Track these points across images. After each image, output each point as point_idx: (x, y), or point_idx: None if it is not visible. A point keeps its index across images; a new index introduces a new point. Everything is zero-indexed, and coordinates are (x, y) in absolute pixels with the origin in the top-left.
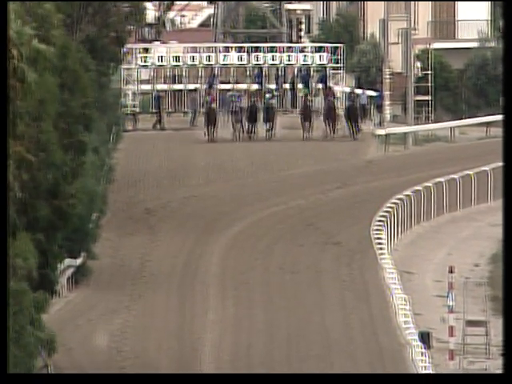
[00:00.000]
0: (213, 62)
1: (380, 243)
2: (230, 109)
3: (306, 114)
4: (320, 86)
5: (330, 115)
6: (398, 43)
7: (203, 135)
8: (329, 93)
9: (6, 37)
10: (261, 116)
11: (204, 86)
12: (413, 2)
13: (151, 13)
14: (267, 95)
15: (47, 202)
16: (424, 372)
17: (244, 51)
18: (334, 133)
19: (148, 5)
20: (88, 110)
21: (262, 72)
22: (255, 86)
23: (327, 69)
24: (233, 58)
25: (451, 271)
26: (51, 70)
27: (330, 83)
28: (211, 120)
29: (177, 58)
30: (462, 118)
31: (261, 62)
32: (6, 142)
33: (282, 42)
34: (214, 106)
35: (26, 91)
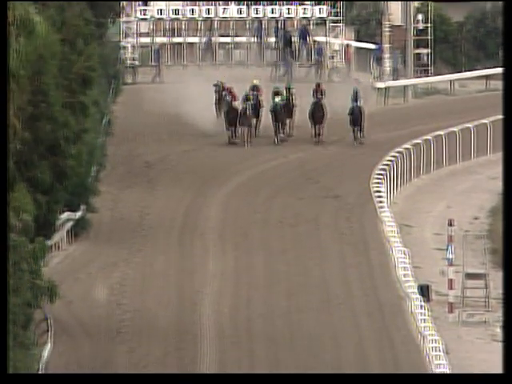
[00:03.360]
0: (212, 15)
1: (379, 196)
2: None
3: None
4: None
5: (317, 116)
6: None
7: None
8: (317, 89)
9: (6, 36)
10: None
11: (203, 39)
12: None
13: None
14: (276, 99)
15: (47, 160)
16: (424, 372)
17: (244, 4)
18: (320, 135)
19: None
20: (90, 70)
21: (261, 25)
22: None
23: (327, 22)
24: (232, 11)
25: (451, 224)
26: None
27: (330, 36)
28: (233, 121)
29: (176, 11)
30: (461, 71)
31: (260, 15)
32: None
33: None
34: (235, 104)
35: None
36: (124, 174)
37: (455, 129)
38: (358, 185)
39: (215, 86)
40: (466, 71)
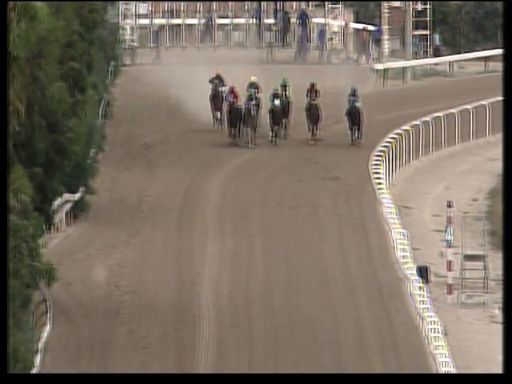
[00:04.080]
0: None
1: (378, 178)
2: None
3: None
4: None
5: (314, 117)
6: None
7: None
8: (312, 89)
9: (6, 36)
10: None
11: (202, 21)
12: None
13: None
14: (276, 102)
15: (46, 136)
16: (424, 373)
17: None
18: (314, 135)
19: None
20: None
21: (260, 7)
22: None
23: (326, 3)
24: None
25: (449, 206)
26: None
27: (329, 18)
28: (234, 122)
29: None
30: (460, 53)
31: None
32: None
33: None
34: (237, 105)
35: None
36: (123, 155)
37: (454, 110)
38: (357, 166)
39: (211, 82)
40: (464, 53)
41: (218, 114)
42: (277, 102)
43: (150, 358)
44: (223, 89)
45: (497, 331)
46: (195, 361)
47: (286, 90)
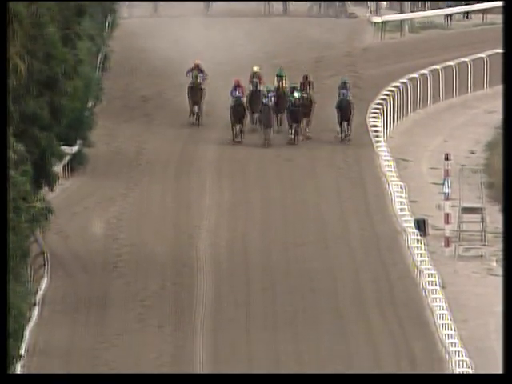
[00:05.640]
0: None
1: (376, 131)
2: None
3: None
4: None
5: (304, 112)
6: None
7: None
8: (305, 82)
9: (6, 36)
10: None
11: None
12: None
13: None
14: (296, 94)
15: (44, 96)
16: (424, 373)
17: None
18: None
19: None
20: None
21: None
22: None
23: None
24: None
25: (447, 158)
26: None
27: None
28: (238, 118)
29: None
30: (458, 5)
31: None
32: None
33: None
34: (243, 100)
35: None
36: (120, 108)
37: (452, 63)
38: (355, 119)
39: (189, 73)
40: (462, 5)
41: (196, 108)
42: (297, 94)
43: (147, 310)
44: (203, 80)
45: (494, 284)
46: (193, 313)
47: (282, 82)
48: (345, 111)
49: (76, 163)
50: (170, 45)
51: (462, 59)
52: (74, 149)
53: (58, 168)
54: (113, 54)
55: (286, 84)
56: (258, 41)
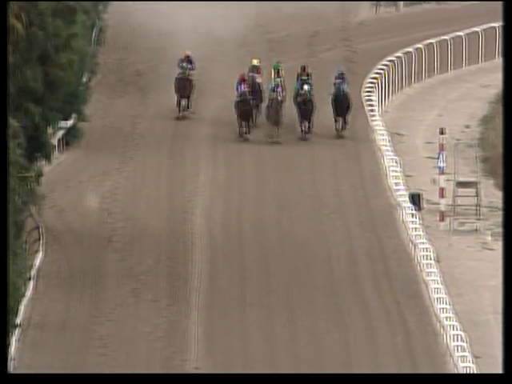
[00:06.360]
0: None
1: (371, 105)
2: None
3: None
4: None
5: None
6: None
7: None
8: (302, 73)
9: (6, 36)
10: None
11: None
12: None
13: None
14: (306, 86)
15: (39, 69)
16: (424, 373)
17: None
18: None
19: None
20: None
21: None
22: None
23: None
24: None
25: (442, 132)
26: None
27: None
28: (245, 114)
29: None
30: None
31: None
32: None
33: None
34: (249, 97)
35: None
36: (115, 82)
37: (447, 37)
38: (350, 93)
39: (179, 64)
40: None
41: (183, 101)
42: (306, 87)
43: (142, 285)
44: (192, 72)
45: (489, 258)
46: (187, 288)
47: (279, 74)
48: (340, 104)
49: (71, 137)
50: (165, 19)
51: (457, 33)
52: (69, 123)
53: (53, 142)
54: (108, 29)
55: (283, 77)
56: (253, 15)
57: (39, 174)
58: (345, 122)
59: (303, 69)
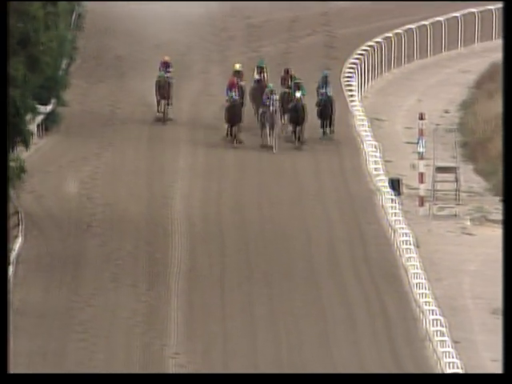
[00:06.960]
0: None
1: (350, 90)
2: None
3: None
4: None
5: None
6: None
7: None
8: (286, 76)
9: (6, 36)
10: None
11: None
12: None
13: None
14: (297, 94)
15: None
16: (423, 373)
17: None
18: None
19: None
20: None
21: None
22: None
23: None
24: None
25: (421, 118)
26: None
27: None
28: (234, 120)
29: None
30: None
31: None
32: None
33: None
34: (239, 100)
35: None
36: (95, 67)
37: (426, 22)
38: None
39: (161, 66)
40: None
41: (163, 102)
42: (298, 93)
43: (121, 270)
44: (169, 74)
45: (468, 242)
46: (167, 273)
47: (262, 73)
48: (325, 109)
49: (50, 122)
50: (146, 5)
51: (437, 18)
52: (48, 108)
53: (32, 127)
54: (87, 14)
55: (267, 76)
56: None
57: (22, 170)
58: (331, 123)
59: (286, 71)
